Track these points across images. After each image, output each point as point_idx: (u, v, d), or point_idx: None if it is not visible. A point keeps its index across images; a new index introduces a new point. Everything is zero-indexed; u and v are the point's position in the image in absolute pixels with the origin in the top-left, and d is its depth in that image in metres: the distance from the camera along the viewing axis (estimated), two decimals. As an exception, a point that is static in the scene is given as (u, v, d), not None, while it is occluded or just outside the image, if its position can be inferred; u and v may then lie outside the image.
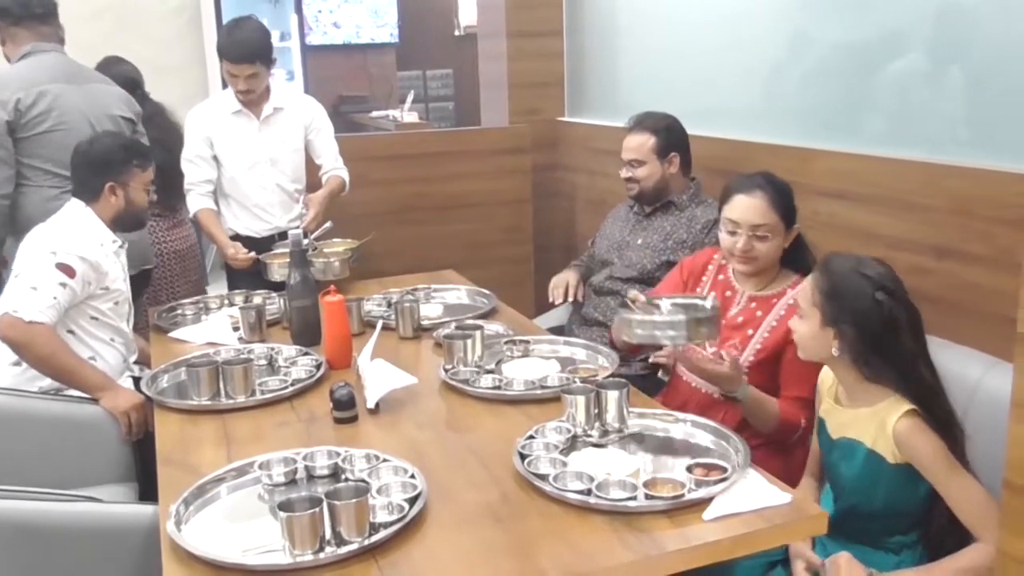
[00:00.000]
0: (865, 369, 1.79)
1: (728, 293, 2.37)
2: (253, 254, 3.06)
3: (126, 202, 2.58)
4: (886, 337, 1.76)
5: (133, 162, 2.58)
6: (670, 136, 2.92)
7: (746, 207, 2.24)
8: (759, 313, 2.28)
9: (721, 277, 2.41)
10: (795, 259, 2.32)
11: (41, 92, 2.90)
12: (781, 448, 2.20)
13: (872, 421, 1.78)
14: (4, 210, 2.87)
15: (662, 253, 2.87)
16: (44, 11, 3.05)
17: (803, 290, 1.89)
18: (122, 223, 2.60)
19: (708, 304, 2.06)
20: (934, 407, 1.75)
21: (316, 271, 2.89)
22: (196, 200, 3.17)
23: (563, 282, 3.11)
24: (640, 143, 2.92)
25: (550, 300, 3.12)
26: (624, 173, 2.96)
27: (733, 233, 2.26)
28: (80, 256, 2.41)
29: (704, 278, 2.45)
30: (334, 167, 3.31)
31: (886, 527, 1.84)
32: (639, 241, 2.95)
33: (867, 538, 1.85)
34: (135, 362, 2.69)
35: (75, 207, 2.56)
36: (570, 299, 3.08)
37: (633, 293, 2.18)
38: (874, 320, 1.75)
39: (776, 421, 2.15)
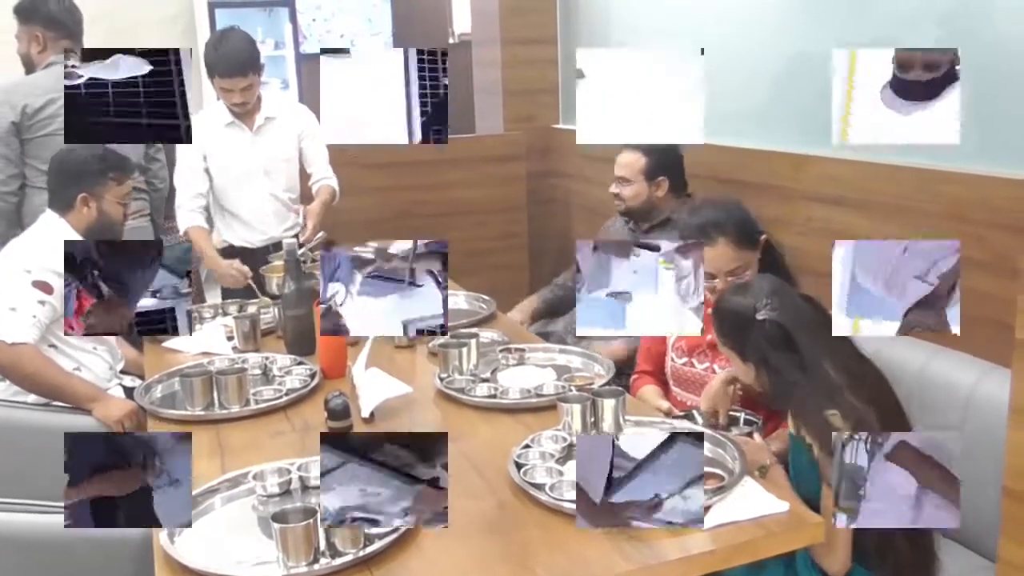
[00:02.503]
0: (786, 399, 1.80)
1: (710, 311, 2.34)
2: (247, 270, 3.01)
3: (99, 214, 2.52)
4: (783, 355, 1.78)
5: (109, 174, 2.52)
6: (662, 158, 2.87)
7: (714, 258, 2.16)
8: None
9: None
10: (769, 262, 2.25)
11: (51, 99, 2.96)
12: None
13: None
14: (10, 207, 2.94)
15: None
16: (80, 28, 3.16)
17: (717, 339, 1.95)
18: (95, 236, 2.51)
19: (742, 417, 2.05)
20: (842, 405, 1.72)
21: (317, 284, 2.87)
22: (186, 217, 3.13)
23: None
24: (629, 162, 2.89)
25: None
26: (612, 188, 2.96)
27: (711, 280, 2.20)
28: (55, 271, 2.35)
29: None
30: (324, 176, 3.30)
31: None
32: None
33: None
34: (127, 372, 2.68)
35: (49, 219, 2.52)
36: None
37: (667, 406, 2.21)
38: (765, 342, 1.80)
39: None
